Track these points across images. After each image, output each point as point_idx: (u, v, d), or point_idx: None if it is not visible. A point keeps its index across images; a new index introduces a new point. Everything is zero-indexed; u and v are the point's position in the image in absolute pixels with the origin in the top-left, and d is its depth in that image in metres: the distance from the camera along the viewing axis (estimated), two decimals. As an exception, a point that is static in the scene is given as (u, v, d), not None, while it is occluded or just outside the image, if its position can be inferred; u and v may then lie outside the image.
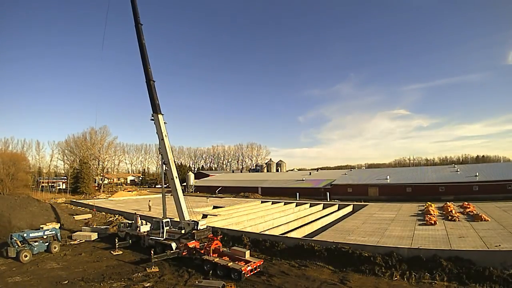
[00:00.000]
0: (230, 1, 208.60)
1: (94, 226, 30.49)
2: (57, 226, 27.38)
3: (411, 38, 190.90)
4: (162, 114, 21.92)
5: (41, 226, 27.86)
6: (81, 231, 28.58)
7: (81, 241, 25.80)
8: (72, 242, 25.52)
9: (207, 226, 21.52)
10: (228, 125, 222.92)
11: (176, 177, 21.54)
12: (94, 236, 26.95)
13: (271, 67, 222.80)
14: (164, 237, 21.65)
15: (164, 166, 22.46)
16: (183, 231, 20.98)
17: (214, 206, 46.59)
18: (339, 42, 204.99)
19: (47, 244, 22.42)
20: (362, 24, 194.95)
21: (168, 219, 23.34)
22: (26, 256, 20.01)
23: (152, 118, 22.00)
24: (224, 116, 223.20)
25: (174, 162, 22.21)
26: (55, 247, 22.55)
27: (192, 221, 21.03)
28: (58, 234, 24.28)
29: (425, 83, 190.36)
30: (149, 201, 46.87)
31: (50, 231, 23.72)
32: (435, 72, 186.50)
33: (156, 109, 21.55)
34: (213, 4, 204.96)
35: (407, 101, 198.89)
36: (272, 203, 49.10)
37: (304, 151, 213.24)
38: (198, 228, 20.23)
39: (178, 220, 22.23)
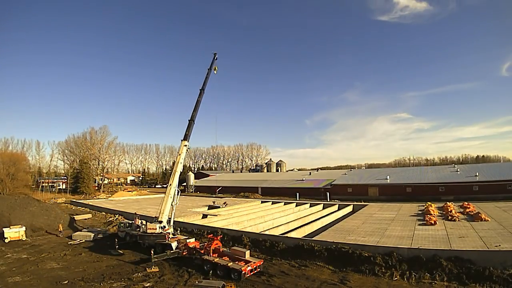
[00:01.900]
0: (246, 14, 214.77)
1: (94, 229, 30.43)
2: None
3: (412, 49, 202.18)
4: (187, 141, 25.36)
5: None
6: (81, 231, 28.59)
7: (81, 241, 25.78)
8: (71, 242, 25.49)
9: (161, 232, 21.64)
10: (231, 126, 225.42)
11: (170, 184, 23.48)
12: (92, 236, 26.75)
13: (283, 75, 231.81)
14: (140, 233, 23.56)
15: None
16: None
17: (209, 207, 45.27)
18: (346, 54, 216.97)
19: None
20: (368, 38, 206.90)
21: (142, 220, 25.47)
22: None
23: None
24: (227, 117, 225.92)
25: (172, 162, 23.72)
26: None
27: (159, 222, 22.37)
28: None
29: (424, 91, 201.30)
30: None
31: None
32: (434, 81, 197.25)
33: (184, 137, 25.44)
34: (228, 17, 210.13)
35: (408, 106, 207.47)
36: (272, 203, 49.11)
37: (307, 151, 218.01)
38: (145, 231, 22.29)
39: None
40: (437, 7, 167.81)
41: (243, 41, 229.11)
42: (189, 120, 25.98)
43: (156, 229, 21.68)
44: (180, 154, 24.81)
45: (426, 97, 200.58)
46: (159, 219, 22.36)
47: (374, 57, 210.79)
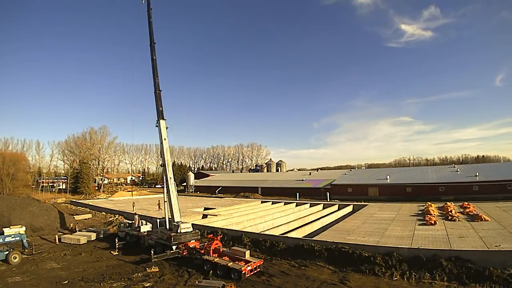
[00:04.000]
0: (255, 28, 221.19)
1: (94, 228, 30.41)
2: (22, 230, 21.58)
3: (413, 61, 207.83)
4: (164, 119, 22.88)
5: (4, 228, 21.61)
6: (81, 231, 28.57)
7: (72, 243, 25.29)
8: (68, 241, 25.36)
9: (192, 229, 21.13)
10: (235, 126, 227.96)
11: (171, 178, 21.98)
12: (93, 236, 26.61)
13: (289, 82, 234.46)
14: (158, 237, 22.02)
15: (162, 167, 22.82)
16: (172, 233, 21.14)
17: (205, 208, 44.64)
18: (354, 68, 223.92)
19: (6, 253, 18.86)
20: (375, 59, 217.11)
21: (164, 219, 22.97)
22: None
23: (157, 124, 22.85)
24: (231, 118, 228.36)
25: (173, 163, 22.66)
26: (14, 257, 18.77)
27: (176, 223, 21.00)
28: (24, 241, 20.67)
29: (425, 97, 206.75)
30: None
31: (12, 237, 19.92)
32: (433, 89, 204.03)
33: (159, 116, 22.83)
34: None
35: (408, 111, 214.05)
36: (272, 203, 49.11)
37: (311, 152, 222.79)
38: (179, 231, 20.40)
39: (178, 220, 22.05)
40: (441, 35, 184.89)
41: (259, 49, 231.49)
42: (155, 92, 23.14)
43: (189, 227, 21.02)
44: (165, 139, 22.23)
45: (426, 103, 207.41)
46: (176, 220, 21.26)
47: (379, 69, 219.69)
